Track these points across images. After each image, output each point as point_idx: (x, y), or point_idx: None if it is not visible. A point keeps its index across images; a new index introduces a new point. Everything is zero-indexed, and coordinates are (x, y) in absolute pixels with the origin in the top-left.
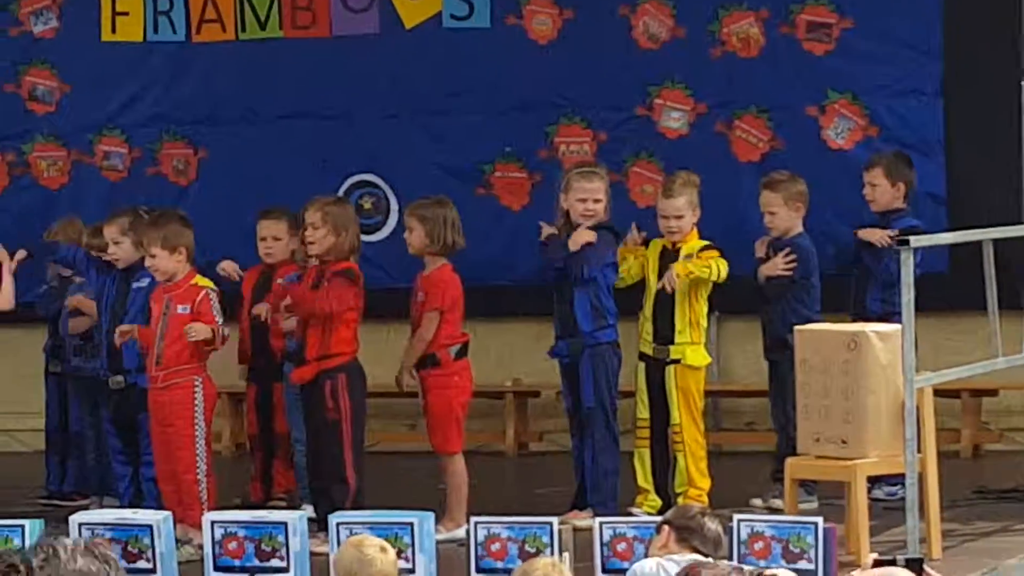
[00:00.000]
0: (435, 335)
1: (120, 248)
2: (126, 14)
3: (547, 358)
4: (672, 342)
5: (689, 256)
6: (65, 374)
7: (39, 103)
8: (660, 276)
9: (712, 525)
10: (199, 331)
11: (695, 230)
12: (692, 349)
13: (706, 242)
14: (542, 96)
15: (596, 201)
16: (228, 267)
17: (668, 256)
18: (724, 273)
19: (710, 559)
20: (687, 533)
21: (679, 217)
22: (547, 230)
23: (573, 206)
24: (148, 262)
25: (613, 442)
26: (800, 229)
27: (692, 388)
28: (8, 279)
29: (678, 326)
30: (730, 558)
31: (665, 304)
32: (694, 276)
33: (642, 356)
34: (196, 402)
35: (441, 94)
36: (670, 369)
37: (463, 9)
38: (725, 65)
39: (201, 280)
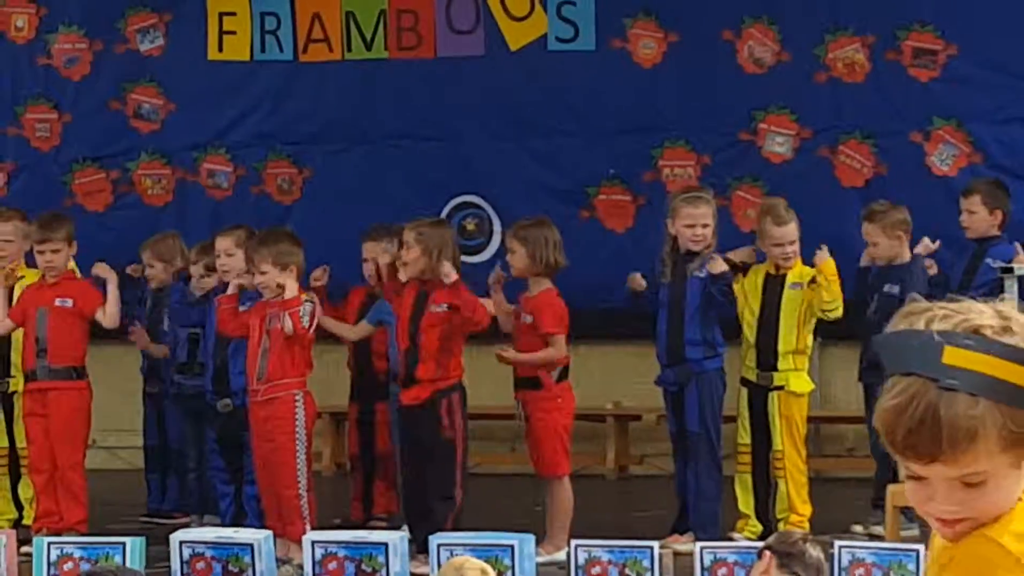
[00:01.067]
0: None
1: (232, 260)
2: (233, 33)
3: (648, 381)
4: (775, 369)
5: (796, 284)
6: (164, 393)
7: (144, 121)
8: (763, 302)
9: (814, 552)
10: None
11: (799, 256)
12: (795, 376)
13: (812, 270)
14: (646, 119)
15: (704, 227)
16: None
17: (773, 282)
18: (839, 311)
19: None
20: (788, 559)
21: (793, 243)
22: (637, 282)
23: (681, 232)
24: (258, 279)
25: (716, 467)
26: (907, 256)
27: (795, 415)
28: (114, 297)
29: (781, 352)
30: None
31: (769, 330)
32: (819, 285)
33: (744, 382)
34: (297, 417)
35: (546, 116)
36: (773, 395)
37: (568, 32)
38: (830, 90)
39: (305, 295)
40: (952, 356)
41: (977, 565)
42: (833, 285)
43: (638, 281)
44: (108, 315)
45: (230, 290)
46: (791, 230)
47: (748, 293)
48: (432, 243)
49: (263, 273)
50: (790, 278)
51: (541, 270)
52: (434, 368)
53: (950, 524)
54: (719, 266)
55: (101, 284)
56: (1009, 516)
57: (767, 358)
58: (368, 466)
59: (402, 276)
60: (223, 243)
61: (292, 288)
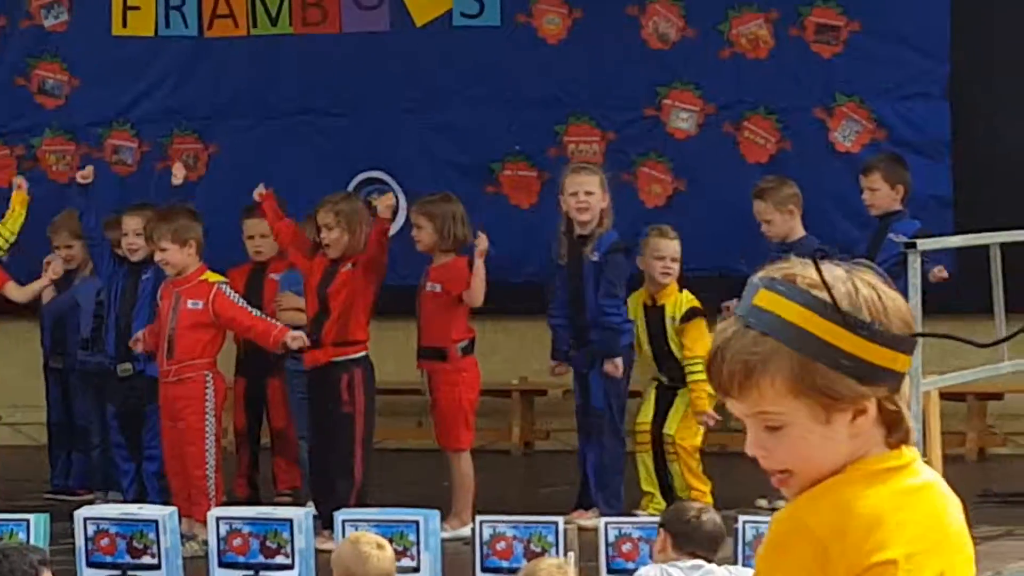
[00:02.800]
0: (443, 331)
1: (141, 239)
2: (137, 8)
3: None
4: (683, 383)
5: (674, 319)
6: (68, 368)
7: (48, 97)
8: (649, 333)
9: (708, 526)
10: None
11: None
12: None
13: (690, 302)
14: (551, 95)
15: (588, 194)
16: None
17: (653, 314)
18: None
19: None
20: (683, 539)
21: (675, 260)
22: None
23: (567, 202)
24: (158, 256)
25: (619, 443)
26: (800, 232)
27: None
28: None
29: (687, 367)
30: (735, 560)
31: (665, 357)
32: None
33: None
34: (207, 397)
35: (451, 92)
36: (682, 391)
37: (474, 7)
38: (734, 66)
39: (211, 276)
40: (760, 298)
41: (776, 532)
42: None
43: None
44: (11, 291)
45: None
46: (676, 246)
47: (636, 322)
48: (352, 218)
49: (163, 250)
50: (668, 310)
51: (448, 245)
52: (336, 331)
53: (780, 480)
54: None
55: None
56: (827, 484)
57: (672, 374)
58: (254, 443)
59: (331, 255)
60: (132, 223)
61: (186, 262)
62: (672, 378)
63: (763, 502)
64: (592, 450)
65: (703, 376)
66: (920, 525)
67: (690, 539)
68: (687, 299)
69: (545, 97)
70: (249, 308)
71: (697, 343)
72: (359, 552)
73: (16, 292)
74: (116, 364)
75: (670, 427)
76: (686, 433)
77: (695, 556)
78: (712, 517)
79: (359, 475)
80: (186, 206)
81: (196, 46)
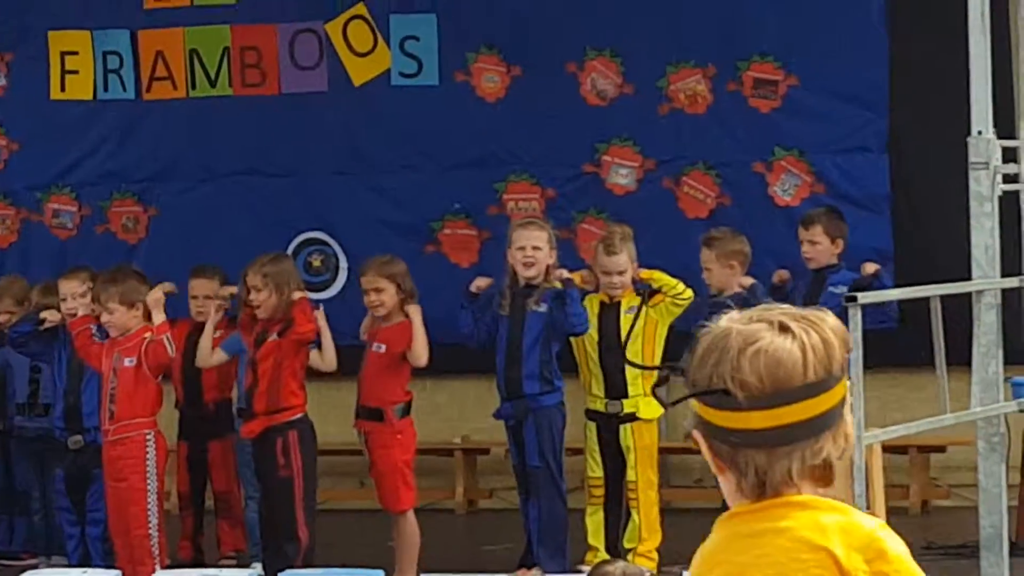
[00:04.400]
0: (382, 392)
1: (80, 302)
2: (76, 72)
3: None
4: (625, 395)
5: (632, 308)
6: (8, 433)
7: None
8: (601, 329)
9: None
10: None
11: (631, 285)
12: (645, 402)
13: (644, 290)
14: (491, 153)
15: (535, 248)
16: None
17: (608, 310)
18: (688, 291)
19: None
20: None
21: (621, 273)
22: (478, 282)
23: (514, 256)
24: (105, 318)
25: (560, 500)
26: (736, 288)
27: (647, 442)
28: None
29: (630, 378)
30: None
31: (612, 357)
32: (658, 281)
33: (591, 415)
34: (148, 456)
35: (390, 151)
36: (625, 428)
37: (412, 67)
38: (673, 121)
39: (150, 334)
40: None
41: None
42: (662, 276)
43: (480, 281)
44: None
45: (80, 312)
46: (620, 261)
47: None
48: (280, 280)
49: (110, 312)
50: (624, 304)
51: (403, 304)
52: (267, 399)
53: None
54: (565, 273)
55: None
56: None
57: (615, 383)
58: (199, 506)
59: (260, 315)
60: (69, 286)
61: (159, 317)
62: (611, 394)
63: None
64: (533, 508)
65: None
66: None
67: None
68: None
69: (484, 155)
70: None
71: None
72: None
73: None
74: (66, 436)
75: (631, 473)
76: (644, 481)
77: None
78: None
79: (304, 537)
80: (133, 268)
81: (135, 109)
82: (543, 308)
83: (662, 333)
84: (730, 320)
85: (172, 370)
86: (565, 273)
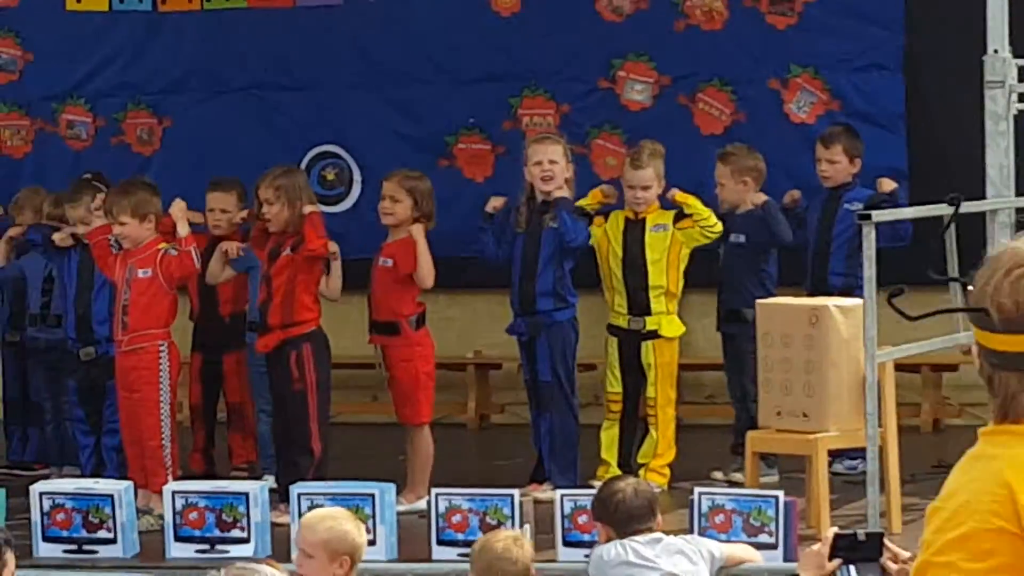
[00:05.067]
0: (394, 305)
1: (90, 226)
2: None
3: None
4: (648, 312)
5: (659, 227)
6: (22, 343)
7: (1, 72)
8: (625, 245)
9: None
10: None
11: (657, 201)
12: (668, 319)
13: (674, 211)
14: (505, 68)
15: (552, 163)
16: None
17: (633, 226)
18: (719, 225)
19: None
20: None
21: (646, 188)
22: (493, 203)
23: (531, 172)
24: (117, 230)
25: (572, 415)
26: (749, 205)
27: (668, 360)
28: None
29: (653, 295)
30: (691, 530)
31: (636, 273)
32: (692, 208)
33: (614, 330)
34: (161, 367)
35: (404, 65)
36: (646, 344)
37: None
38: (688, 38)
39: (163, 245)
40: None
41: None
42: (696, 203)
43: (495, 201)
44: None
45: (97, 223)
46: (645, 175)
47: (611, 238)
48: (292, 193)
49: (122, 224)
50: (650, 221)
51: (414, 222)
52: (281, 313)
53: None
54: (558, 192)
55: None
56: None
57: (637, 301)
58: (211, 418)
59: (271, 228)
60: (76, 212)
61: (184, 228)
62: (634, 310)
63: (718, 474)
64: (544, 422)
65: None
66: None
67: (625, 521)
68: (667, 212)
69: (499, 70)
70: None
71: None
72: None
73: None
74: (78, 347)
75: (651, 390)
76: (664, 397)
77: (638, 532)
78: (631, 491)
79: (317, 450)
80: (145, 180)
81: (150, 21)
82: (557, 223)
83: (685, 256)
84: (1017, 239)
85: (188, 282)
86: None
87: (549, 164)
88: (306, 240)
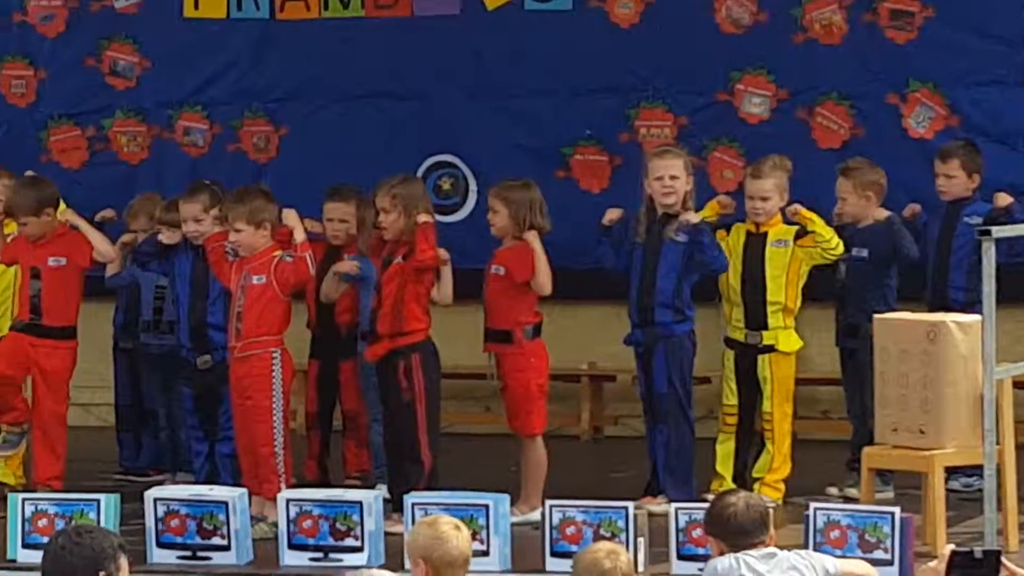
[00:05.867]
0: (508, 313)
1: (202, 225)
2: None
3: (623, 342)
4: (765, 327)
5: (780, 242)
6: (137, 350)
7: (119, 78)
8: (745, 259)
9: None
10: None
11: (780, 215)
12: (785, 334)
13: (796, 227)
14: (623, 79)
15: (673, 178)
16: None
17: (754, 240)
18: (840, 246)
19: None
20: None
21: (765, 199)
22: (610, 214)
23: (652, 186)
24: (233, 236)
25: (688, 428)
26: (871, 220)
27: (784, 374)
28: (95, 234)
29: (771, 310)
30: (805, 545)
31: (756, 287)
32: (814, 226)
33: (730, 343)
34: (274, 374)
35: (522, 76)
36: (763, 358)
37: None
38: (807, 51)
39: (278, 252)
40: None
41: None
42: (819, 223)
43: (612, 214)
44: (98, 252)
45: (215, 229)
46: (764, 186)
47: (731, 251)
48: (409, 201)
49: (238, 231)
50: (771, 236)
51: (520, 232)
52: (390, 322)
53: None
54: (693, 217)
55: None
56: None
57: (755, 316)
58: (326, 426)
59: (386, 237)
60: (191, 209)
61: (300, 234)
62: (752, 325)
63: (833, 490)
64: (659, 435)
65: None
66: None
67: (737, 536)
68: (790, 227)
69: (617, 81)
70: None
71: (821, 232)
72: (439, 534)
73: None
74: (193, 356)
75: (767, 404)
76: (780, 412)
77: (751, 547)
78: (743, 505)
79: (427, 460)
80: (260, 187)
81: (267, 29)
82: (682, 239)
83: (804, 273)
84: None
85: (305, 292)
86: (693, 218)
87: (670, 180)
88: (416, 250)
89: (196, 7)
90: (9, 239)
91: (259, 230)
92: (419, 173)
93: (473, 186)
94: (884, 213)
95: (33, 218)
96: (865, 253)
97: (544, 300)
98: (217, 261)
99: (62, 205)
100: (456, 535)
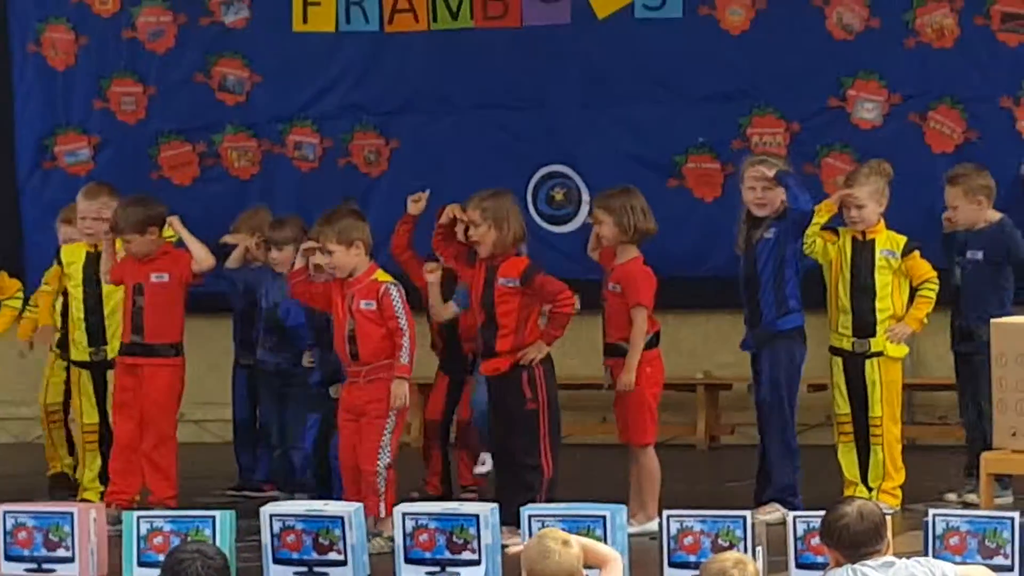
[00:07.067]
0: (625, 326)
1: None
2: (318, 4)
3: (738, 350)
4: (873, 334)
5: (888, 252)
6: (254, 367)
7: (229, 93)
8: (853, 266)
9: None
10: (398, 396)
11: (882, 220)
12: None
13: (904, 237)
14: (735, 87)
15: (766, 188)
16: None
17: (861, 248)
18: (936, 290)
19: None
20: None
21: (860, 207)
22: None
23: (745, 195)
24: (326, 259)
25: (785, 434)
26: (983, 223)
27: (892, 380)
28: (194, 243)
29: (880, 318)
30: (925, 553)
31: (865, 296)
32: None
33: (836, 350)
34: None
35: (633, 85)
36: (871, 362)
37: (655, 0)
38: (919, 55)
39: (381, 275)
40: None
41: None
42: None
43: None
44: (197, 259)
45: (297, 263)
46: (858, 193)
47: (838, 258)
48: (499, 214)
49: (330, 252)
50: (879, 244)
51: (629, 238)
52: (512, 340)
53: None
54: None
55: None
56: None
57: (864, 324)
58: (446, 439)
59: (482, 253)
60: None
61: (354, 263)
62: (860, 333)
63: (952, 496)
64: (765, 443)
65: (932, 295)
66: None
67: (852, 546)
68: (899, 237)
69: (728, 89)
70: (402, 320)
71: (924, 267)
72: (543, 547)
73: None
74: (327, 386)
75: (876, 409)
76: (889, 418)
77: (867, 556)
78: (856, 514)
79: (548, 469)
80: (350, 206)
81: (376, 41)
82: (771, 234)
83: (906, 287)
84: None
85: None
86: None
87: (763, 191)
88: (556, 301)
89: (305, 21)
90: (119, 258)
91: (350, 249)
92: (531, 183)
93: (586, 196)
94: (996, 215)
95: (138, 236)
96: (980, 256)
97: (658, 309)
98: (302, 292)
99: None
100: (561, 550)
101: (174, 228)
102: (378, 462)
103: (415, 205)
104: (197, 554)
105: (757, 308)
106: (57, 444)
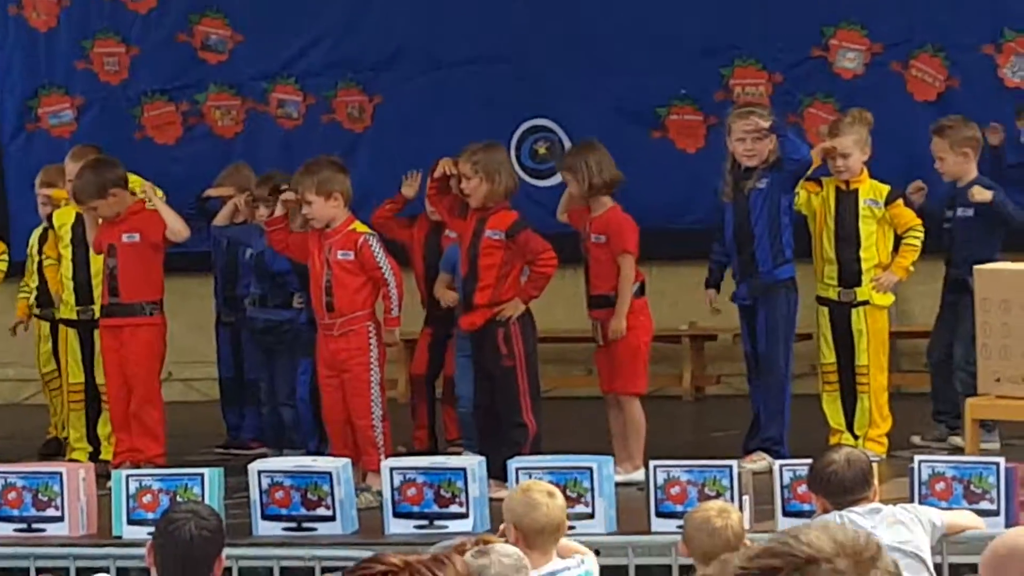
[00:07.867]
0: (612, 278)
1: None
2: None
3: (722, 301)
4: (859, 284)
5: (872, 201)
6: (239, 324)
7: (212, 52)
8: (837, 216)
9: (846, 474)
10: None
11: (866, 170)
12: None
13: (887, 186)
14: (717, 38)
15: (756, 139)
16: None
17: (845, 197)
18: (921, 238)
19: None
20: (834, 497)
21: (845, 156)
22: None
23: (735, 147)
24: (304, 209)
25: (778, 383)
26: (974, 174)
27: (880, 327)
28: (168, 212)
29: (865, 267)
30: (911, 499)
31: (850, 245)
32: (903, 218)
33: (823, 300)
34: (372, 348)
35: (615, 37)
36: (857, 311)
37: None
38: (900, 3)
39: (359, 226)
40: None
41: None
42: (906, 212)
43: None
44: (172, 231)
45: (277, 211)
46: (843, 143)
47: (822, 209)
48: (490, 167)
49: (308, 203)
50: (863, 193)
51: (596, 191)
52: (490, 294)
53: None
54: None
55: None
56: None
57: (849, 273)
58: (432, 393)
59: (472, 205)
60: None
61: (332, 214)
62: (845, 283)
63: (916, 439)
64: (758, 392)
65: (918, 243)
66: None
67: (840, 493)
68: (882, 186)
69: (710, 40)
70: (386, 270)
71: (908, 215)
72: (530, 500)
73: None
74: (313, 331)
75: (862, 357)
76: (875, 366)
77: (854, 503)
78: (844, 461)
79: (531, 424)
80: (331, 157)
81: None
82: (763, 184)
83: (891, 235)
84: None
85: (415, 268)
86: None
87: (753, 142)
88: (538, 260)
89: None
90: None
91: (329, 200)
92: (514, 138)
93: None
94: (987, 196)
95: (100, 200)
96: (971, 212)
97: (642, 261)
98: (279, 240)
99: (139, 180)
100: (547, 502)
101: (148, 197)
102: (372, 415)
103: (409, 188)
104: (191, 515)
105: (751, 259)
106: (59, 410)
